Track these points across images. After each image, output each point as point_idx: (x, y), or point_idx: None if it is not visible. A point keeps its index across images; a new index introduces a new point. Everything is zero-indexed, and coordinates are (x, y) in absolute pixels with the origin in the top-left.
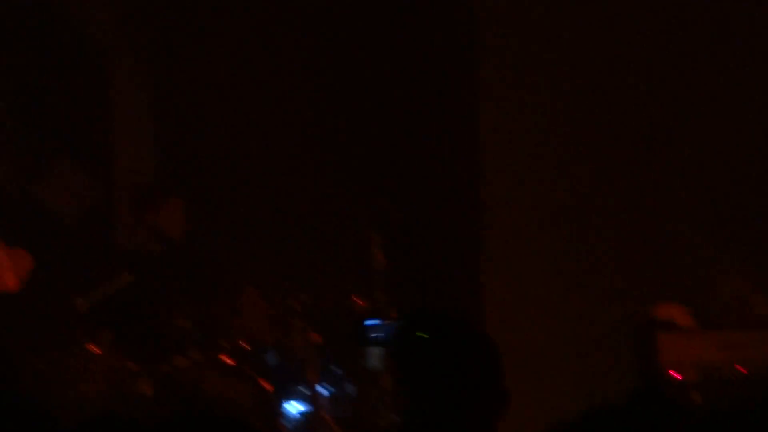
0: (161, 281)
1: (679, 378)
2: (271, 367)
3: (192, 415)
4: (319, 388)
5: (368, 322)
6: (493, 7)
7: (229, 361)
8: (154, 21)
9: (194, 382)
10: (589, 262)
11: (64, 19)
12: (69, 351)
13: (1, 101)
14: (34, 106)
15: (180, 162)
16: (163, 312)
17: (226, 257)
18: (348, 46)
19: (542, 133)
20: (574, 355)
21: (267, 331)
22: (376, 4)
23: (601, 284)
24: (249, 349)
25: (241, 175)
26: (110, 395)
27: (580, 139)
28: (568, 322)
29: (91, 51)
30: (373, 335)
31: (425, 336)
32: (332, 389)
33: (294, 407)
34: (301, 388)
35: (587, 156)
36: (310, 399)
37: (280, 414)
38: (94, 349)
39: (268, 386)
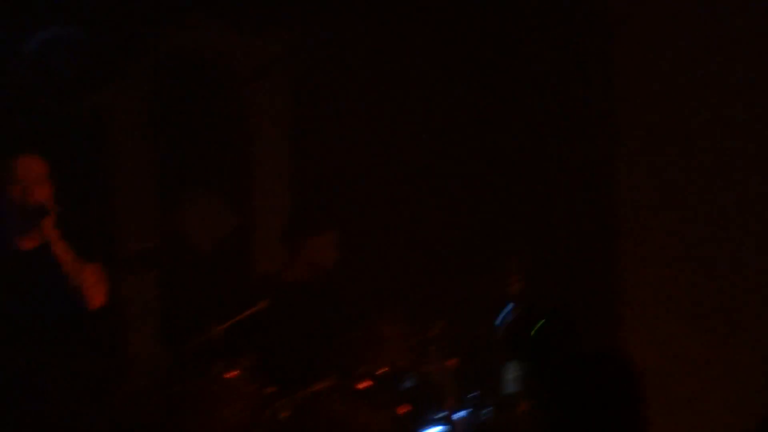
0: (301, 307)
1: None
2: (408, 392)
3: None
4: (455, 414)
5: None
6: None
7: (366, 386)
8: (290, 52)
9: (331, 407)
10: (721, 295)
11: (201, 53)
12: (207, 377)
13: (140, 135)
14: (173, 139)
15: (317, 192)
16: (301, 338)
17: (365, 285)
18: (484, 81)
19: (684, 158)
20: (713, 380)
21: (404, 357)
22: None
23: (737, 311)
24: (386, 375)
25: (380, 204)
26: (248, 420)
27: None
28: (708, 350)
29: (229, 81)
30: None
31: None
32: (468, 414)
33: None
34: (437, 413)
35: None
36: (447, 424)
37: None
38: (232, 374)
39: (404, 412)
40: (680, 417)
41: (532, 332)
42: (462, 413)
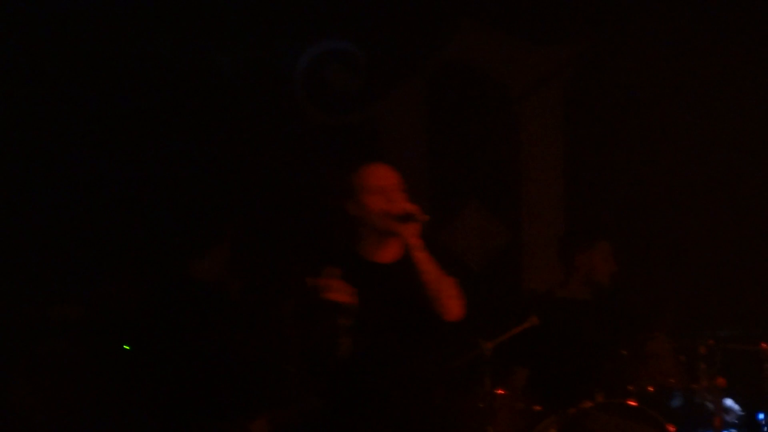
0: (573, 324)
1: None
2: (677, 410)
3: None
4: None
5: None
6: None
7: (634, 404)
8: (566, 66)
9: (600, 425)
10: None
11: (476, 65)
12: (476, 393)
13: (414, 147)
14: (447, 151)
15: (590, 213)
16: (571, 355)
17: (637, 302)
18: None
19: None
20: None
21: (674, 375)
22: None
23: None
24: (655, 393)
25: (649, 219)
26: None
27: None
28: None
29: (502, 97)
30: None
31: None
32: None
33: None
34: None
35: None
36: None
37: None
38: (501, 391)
39: (673, 430)
40: None
41: None
42: None
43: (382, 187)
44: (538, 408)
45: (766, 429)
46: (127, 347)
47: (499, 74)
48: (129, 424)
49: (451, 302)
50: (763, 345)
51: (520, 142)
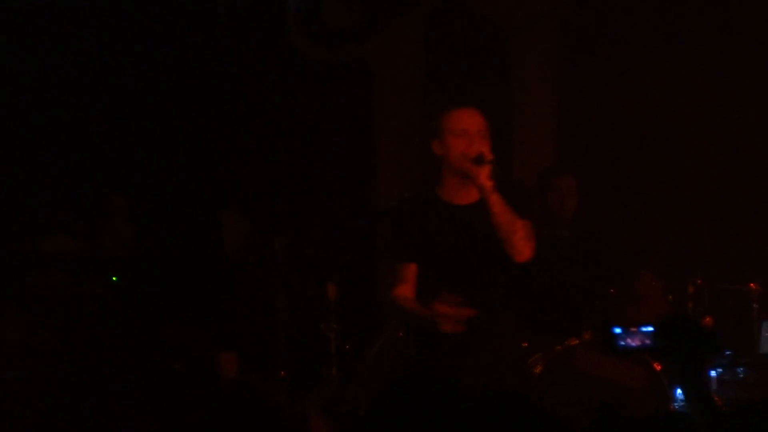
0: (559, 262)
1: None
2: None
3: None
4: (709, 372)
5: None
6: None
7: None
8: (559, 5)
9: (586, 362)
10: None
11: (470, 4)
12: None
13: (408, 86)
14: (438, 93)
15: (581, 152)
16: (557, 292)
17: (626, 241)
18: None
19: None
20: None
21: (661, 313)
22: None
23: None
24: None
25: (641, 159)
26: (502, 373)
27: None
28: None
29: (496, 35)
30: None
31: None
32: (721, 371)
33: None
34: None
35: None
36: None
37: (670, 395)
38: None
39: (659, 368)
40: None
41: None
42: (715, 372)
43: (465, 130)
44: (524, 345)
45: None
46: (115, 279)
47: (493, 11)
48: (117, 354)
49: (522, 243)
50: (752, 285)
51: (513, 79)
